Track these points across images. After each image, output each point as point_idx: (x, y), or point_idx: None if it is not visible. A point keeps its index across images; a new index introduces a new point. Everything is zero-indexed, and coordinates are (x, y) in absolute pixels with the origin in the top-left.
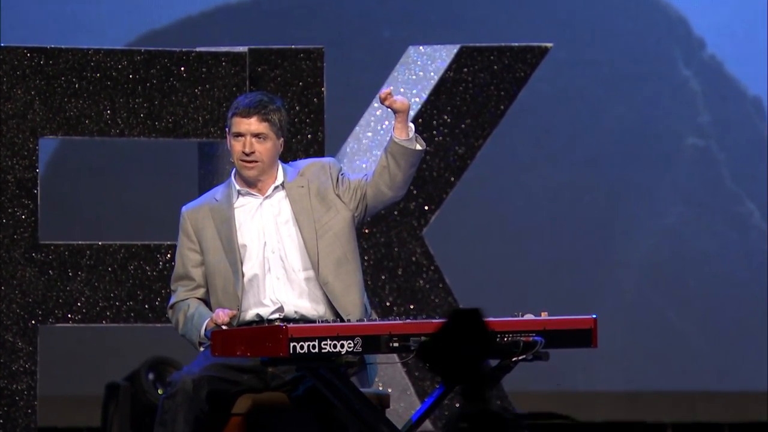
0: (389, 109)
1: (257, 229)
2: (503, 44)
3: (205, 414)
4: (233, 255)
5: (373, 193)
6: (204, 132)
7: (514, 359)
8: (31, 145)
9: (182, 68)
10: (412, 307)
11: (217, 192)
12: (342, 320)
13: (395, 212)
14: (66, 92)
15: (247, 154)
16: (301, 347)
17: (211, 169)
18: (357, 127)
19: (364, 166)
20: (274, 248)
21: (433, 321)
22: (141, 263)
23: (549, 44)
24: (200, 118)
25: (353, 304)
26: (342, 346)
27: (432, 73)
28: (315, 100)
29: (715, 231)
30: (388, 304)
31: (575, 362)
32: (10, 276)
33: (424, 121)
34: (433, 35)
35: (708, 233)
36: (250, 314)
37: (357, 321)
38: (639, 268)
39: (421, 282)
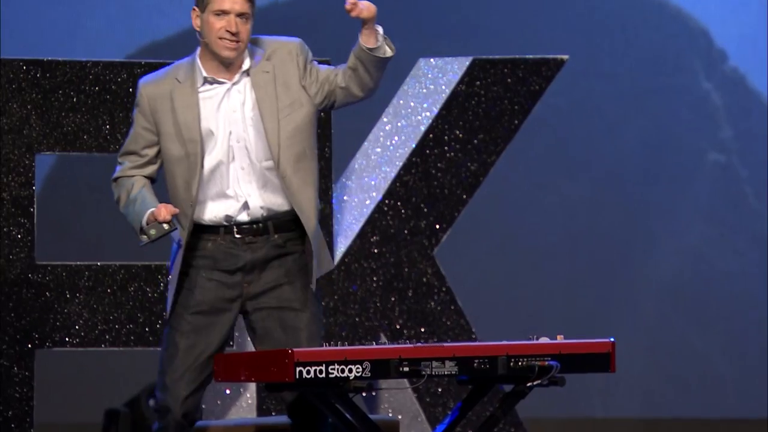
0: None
1: (223, 116)
2: (517, 56)
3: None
4: (194, 144)
5: (344, 94)
6: None
7: (528, 384)
8: (27, 162)
9: None
10: (423, 330)
11: (179, 71)
12: (296, 216)
13: (405, 231)
14: (64, 106)
15: (233, 34)
16: (308, 372)
17: None
18: (365, 143)
19: (373, 183)
20: (239, 137)
21: (445, 345)
22: (141, 284)
23: (565, 56)
24: None
25: (308, 199)
26: (350, 370)
27: (443, 87)
28: (322, 114)
29: (737, 250)
30: (398, 326)
31: (592, 387)
32: (5, 298)
33: (435, 136)
34: (444, 47)
35: (730, 252)
36: (217, 212)
37: (310, 220)
38: (659, 289)
39: (433, 303)
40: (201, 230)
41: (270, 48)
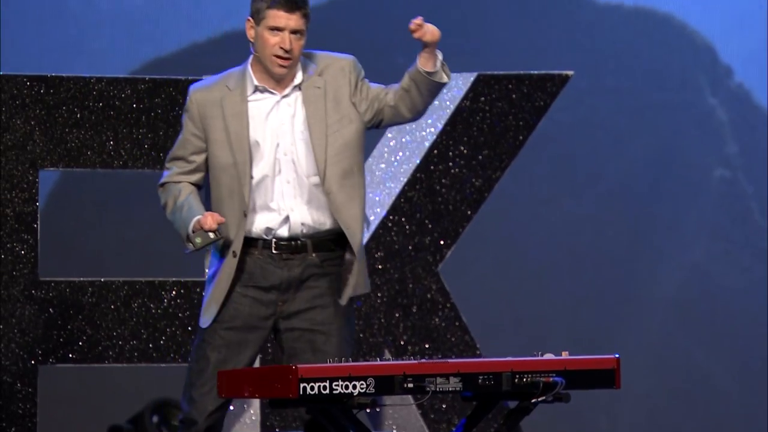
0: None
1: (271, 128)
2: (522, 72)
3: None
4: (243, 153)
5: (392, 113)
6: None
7: (533, 401)
8: (30, 178)
9: None
10: (427, 346)
11: (230, 79)
12: (336, 235)
13: (410, 247)
14: (67, 122)
15: (287, 51)
16: (312, 388)
17: None
18: (370, 159)
19: (377, 199)
20: (286, 150)
21: (450, 361)
22: (145, 301)
23: (570, 72)
24: None
25: (354, 218)
26: (354, 387)
27: (448, 102)
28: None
29: (743, 267)
30: (402, 343)
31: (597, 404)
32: (8, 314)
33: (439, 151)
34: (448, 62)
35: (736, 269)
36: (258, 224)
37: (355, 236)
38: (664, 306)
39: (437, 320)
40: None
41: (323, 63)
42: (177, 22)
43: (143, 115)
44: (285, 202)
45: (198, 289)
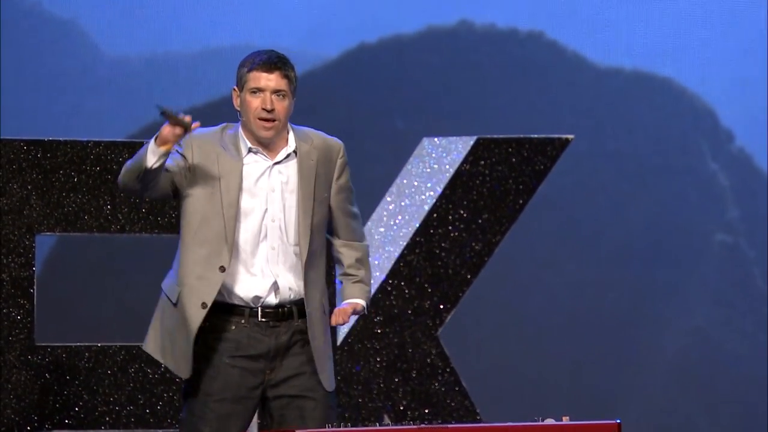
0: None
1: (262, 193)
2: (522, 136)
3: None
4: (232, 209)
5: (325, 233)
6: None
7: None
8: (27, 242)
9: None
10: (427, 411)
11: (226, 137)
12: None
13: (409, 311)
14: (64, 186)
15: (268, 111)
16: None
17: None
18: (369, 222)
19: (376, 262)
20: (274, 216)
21: (450, 426)
22: (142, 366)
23: (570, 136)
24: None
25: (315, 300)
26: None
27: (447, 166)
28: None
29: (745, 333)
30: (401, 408)
31: None
32: (4, 380)
33: (439, 215)
34: (448, 126)
35: (738, 335)
36: (243, 291)
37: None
38: (665, 371)
39: (437, 385)
40: (224, 311)
41: (317, 139)
42: (174, 85)
43: None
44: (269, 267)
45: None
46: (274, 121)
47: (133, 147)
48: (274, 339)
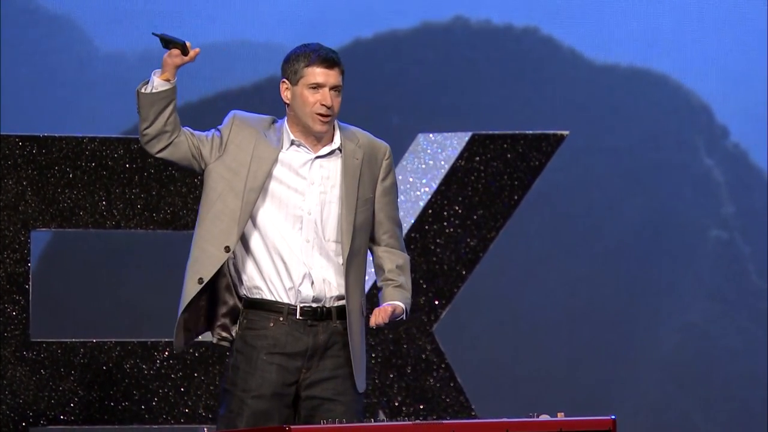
0: None
1: (300, 185)
2: (517, 132)
3: None
4: (252, 193)
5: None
6: None
7: None
8: (22, 238)
9: None
10: (422, 407)
11: (269, 126)
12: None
13: None
14: (59, 182)
15: (328, 107)
16: None
17: None
18: None
19: (371, 259)
20: (311, 210)
21: (444, 422)
22: (137, 362)
23: (565, 132)
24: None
25: (356, 301)
26: None
27: (442, 162)
28: None
29: (740, 328)
30: (396, 404)
31: None
32: (0, 375)
33: (434, 211)
34: (443, 122)
35: (733, 330)
36: (276, 281)
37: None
38: (661, 366)
39: (432, 380)
40: (262, 307)
41: (364, 139)
42: None
43: (136, 174)
44: (303, 258)
45: (191, 350)
46: (329, 116)
47: (129, 143)
48: (312, 338)
